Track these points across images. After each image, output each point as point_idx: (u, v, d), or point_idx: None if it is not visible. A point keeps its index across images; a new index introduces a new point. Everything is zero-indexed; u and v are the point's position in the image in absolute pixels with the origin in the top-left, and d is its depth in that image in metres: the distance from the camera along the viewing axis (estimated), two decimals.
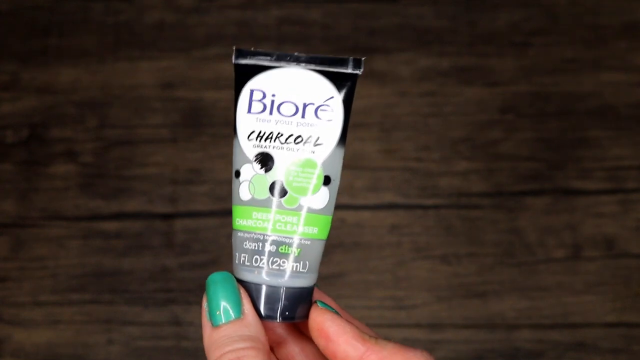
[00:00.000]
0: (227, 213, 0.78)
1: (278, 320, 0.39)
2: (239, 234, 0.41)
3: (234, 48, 0.42)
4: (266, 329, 0.40)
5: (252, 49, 0.42)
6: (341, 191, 0.78)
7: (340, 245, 0.76)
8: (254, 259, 0.40)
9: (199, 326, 0.76)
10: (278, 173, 0.40)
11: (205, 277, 0.80)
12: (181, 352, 0.75)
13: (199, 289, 0.76)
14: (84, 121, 0.80)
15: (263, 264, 0.40)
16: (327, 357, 0.39)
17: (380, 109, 0.80)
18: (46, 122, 0.80)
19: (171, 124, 0.80)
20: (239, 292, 0.39)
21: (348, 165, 0.79)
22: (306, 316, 0.40)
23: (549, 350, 0.74)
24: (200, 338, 0.77)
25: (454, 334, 0.75)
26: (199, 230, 0.77)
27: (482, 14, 0.82)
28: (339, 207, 0.78)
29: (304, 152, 0.40)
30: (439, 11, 0.82)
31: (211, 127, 0.80)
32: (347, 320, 0.39)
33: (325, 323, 0.39)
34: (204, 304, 0.39)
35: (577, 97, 0.80)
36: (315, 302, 0.40)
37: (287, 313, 0.40)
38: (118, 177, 0.79)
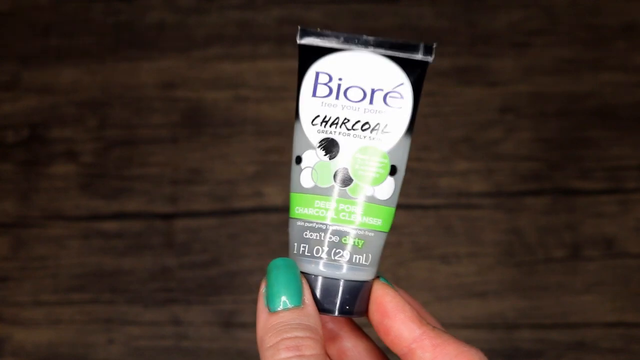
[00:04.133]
0: (227, 213, 0.78)
1: (336, 314, 0.38)
2: (299, 222, 0.39)
3: (299, 27, 0.40)
4: (321, 323, 0.39)
5: (318, 29, 0.40)
6: None
7: None
8: (315, 250, 0.38)
9: (199, 326, 0.76)
10: (343, 160, 0.38)
11: (205, 277, 0.80)
12: (181, 352, 0.75)
13: (199, 289, 0.76)
14: (84, 121, 0.80)
15: (324, 254, 0.38)
16: (380, 334, 0.38)
17: None
18: (46, 122, 0.80)
19: (171, 124, 0.80)
20: (301, 281, 0.38)
21: None
22: (365, 312, 0.39)
23: (549, 350, 0.74)
24: (200, 338, 0.77)
25: (454, 334, 0.74)
26: (199, 230, 0.77)
27: (482, 14, 0.82)
28: None
29: (371, 139, 0.39)
30: (438, 11, 0.83)
31: (211, 127, 0.80)
32: (408, 302, 0.38)
33: (385, 297, 0.38)
34: (262, 288, 0.38)
35: (577, 97, 0.80)
36: (378, 277, 0.39)
37: (346, 307, 0.38)
38: (118, 177, 0.79)
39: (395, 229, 0.77)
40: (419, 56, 0.40)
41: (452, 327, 0.74)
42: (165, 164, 0.79)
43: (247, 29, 0.83)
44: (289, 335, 0.36)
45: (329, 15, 0.83)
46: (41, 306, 0.76)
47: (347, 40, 0.39)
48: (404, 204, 0.77)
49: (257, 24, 0.83)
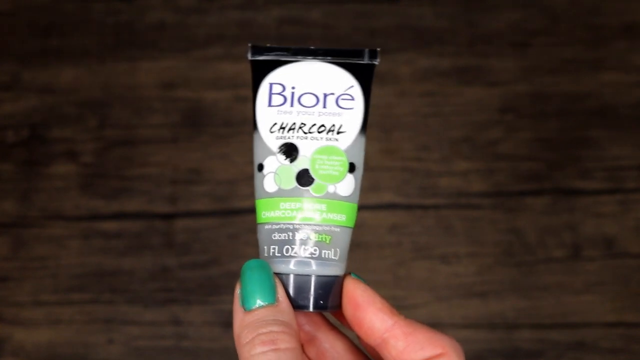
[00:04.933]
0: (227, 213, 0.78)
1: (311, 309, 0.39)
2: (266, 226, 0.41)
3: (249, 45, 0.42)
4: (297, 326, 0.40)
5: (268, 45, 0.42)
6: None
7: None
8: (284, 249, 0.40)
9: (199, 326, 0.76)
10: (304, 162, 0.40)
11: (205, 277, 0.80)
12: (181, 352, 0.75)
13: (199, 289, 0.76)
14: (84, 121, 0.80)
15: (294, 253, 0.40)
16: (353, 328, 0.39)
17: (380, 109, 0.80)
18: (46, 122, 0.80)
19: (171, 124, 0.80)
20: (274, 280, 0.39)
21: None
22: (339, 306, 0.40)
23: (549, 350, 0.74)
24: (200, 337, 0.77)
25: (454, 333, 0.75)
26: (199, 230, 0.77)
27: (482, 14, 0.82)
28: None
29: (328, 140, 0.41)
30: (438, 11, 0.83)
31: (211, 127, 0.80)
32: (378, 294, 0.39)
33: (356, 291, 0.39)
34: (237, 290, 0.39)
35: (577, 97, 0.80)
36: (350, 273, 0.40)
37: (320, 302, 0.39)
38: (118, 177, 0.79)
39: (395, 229, 0.78)
40: (365, 60, 0.42)
41: (452, 327, 0.74)
42: (165, 164, 0.79)
43: (247, 29, 0.83)
44: (264, 330, 0.37)
45: (329, 15, 0.83)
46: (41, 306, 0.76)
47: (296, 52, 0.42)
48: (404, 204, 0.77)
49: (257, 24, 0.83)
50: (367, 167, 0.79)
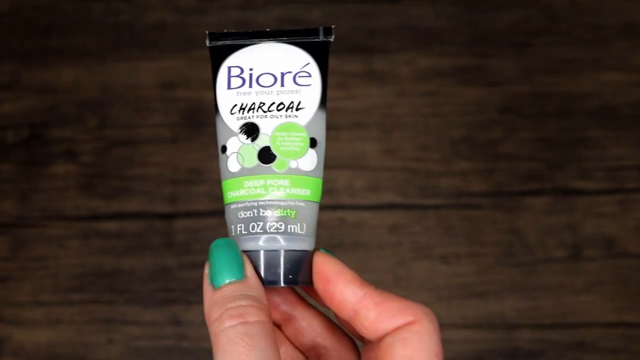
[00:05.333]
0: None
1: (281, 284, 0.39)
2: (232, 206, 0.41)
3: (207, 32, 0.43)
4: (272, 307, 0.40)
5: (225, 30, 0.43)
6: (341, 191, 0.78)
7: (340, 245, 0.76)
8: (250, 227, 0.40)
9: (199, 326, 0.76)
10: (265, 140, 0.41)
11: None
12: (181, 352, 0.75)
13: (199, 289, 0.76)
14: (84, 121, 0.80)
15: (260, 229, 0.40)
16: (325, 303, 0.39)
17: (380, 109, 0.80)
18: (46, 122, 0.80)
19: (171, 124, 0.80)
20: (242, 257, 0.39)
21: (348, 165, 0.79)
22: (310, 281, 0.40)
23: (549, 350, 0.74)
24: (200, 338, 0.77)
25: (454, 333, 0.75)
26: (199, 230, 0.77)
27: (482, 14, 0.82)
28: (339, 206, 0.78)
29: (287, 117, 0.41)
30: (439, 11, 0.83)
31: (211, 127, 0.80)
32: (348, 268, 0.39)
33: (326, 265, 0.39)
34: (206, 269, 0.39)
35: (577, 97, 0.80)
36: (319, 249, 0.40)
37: (289, 277, 0.39)
38: (118, 177, 0.79)
39: (395, 229, 0.77)
40: (320, 38, 0.43)
41: (452, 327, 0.74)
42: (165, 164, 0.79)
43: (247, 29, 0.83)
44: (232, 305, 0.36)
45: (329, 15, 0.83)
46: (41, 306, 0.76)
47: (251, 36, 0.43)
48: (404, 204, 0.77)
49: (257, 24, 0.83)
50: (368, 167, 0.79)
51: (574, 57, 0.81)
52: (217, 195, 0.78)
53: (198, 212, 0.78)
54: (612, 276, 0.76)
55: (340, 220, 0.77)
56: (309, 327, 0.42)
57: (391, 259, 0.76)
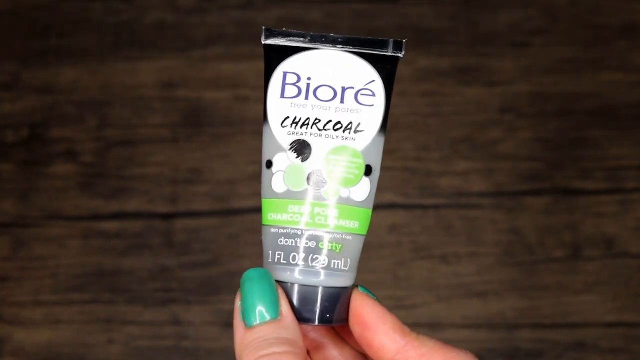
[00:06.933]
0: (227, 213, 0.78)
1: (316, 323, 0.36)
2: (272, 230, 0.37)
3: (263, 27, 0.38)
4: (303, 333, 0.37)
5: (284, 29, 0.39)
6: None
7: None
8: (291, 257, 0.37)
9: (199, 326, 0.76)
10: (316, 162, 0.37)
11: (205, 277, 0.80)
12: (181, 352, 0.75)
13: (199, 289, 0.76)
14: (84, 121, 0.80)
15: (301, 261, 0.37)
16: (363, 347, 0.37)
17: None
18: (46, 122, 0.80)
19: (171, 124, 0.80)
20: (277, 291, 0.36)
21: None
22: (346, 320, 0.37)
23: (549, 350, 0.74)
24: (200, 337, 0.77)
25: (454, 333, 0.75)
26: (199, 230, 0.77)
27: (482, 14, 0.82)
28: None
29: (344, 139, 0.37)
30: (439, 11, 0.83)
31: (211, 127, 0.80)
32: (388, 311, 0.36)
33: (364, 309, 0.36)
34: (237, 302, 0.36)
35: (577, 97, 0.80)
36: (357, 286, 0.38)
37: (326, 316, 0.36)
38: (118, 177, 0.79)
39: (395, 229, 0.77)
40: (389, 52, 0.39)
41: (452, 327, 0.74)
42: (165, 164, 0.79)
43: (247, 29, 0.83)
44: (266, 352, 0.34)
45: (329, 15, 0.83)
46: (41, 306, 0.76)
47: (314, 39, 0.38)
48: (404, 204, 0.77)
49: (257, 24, 0.83)
50: None
51: (574, 57, 0.81)
52: (217, 195, 0.78)
53: (198, 212, 0.78)
54: (612, 276, 0.76)
55: None
56: (340, 356, 0.39)
57: (391, 259, 0.76)
